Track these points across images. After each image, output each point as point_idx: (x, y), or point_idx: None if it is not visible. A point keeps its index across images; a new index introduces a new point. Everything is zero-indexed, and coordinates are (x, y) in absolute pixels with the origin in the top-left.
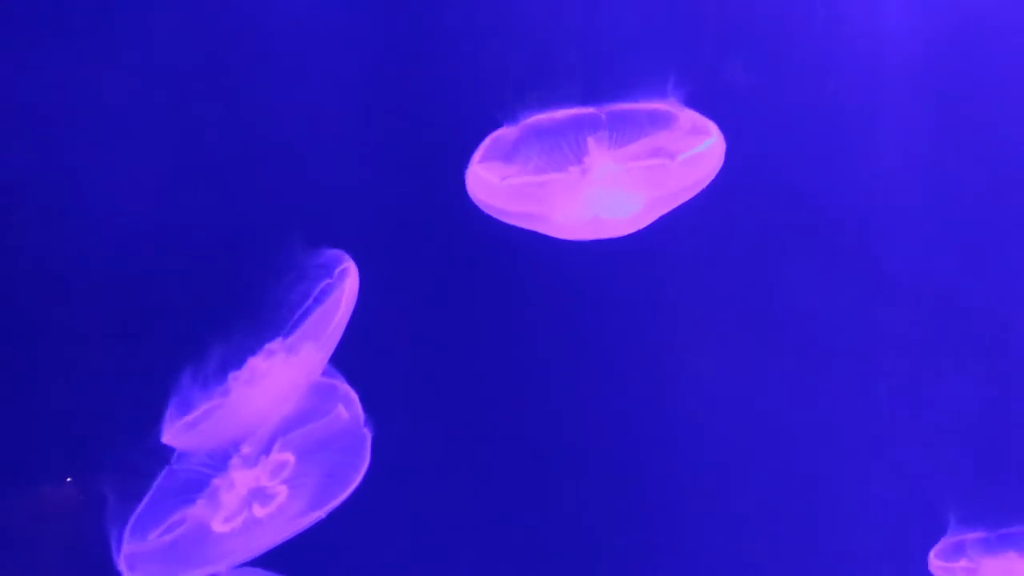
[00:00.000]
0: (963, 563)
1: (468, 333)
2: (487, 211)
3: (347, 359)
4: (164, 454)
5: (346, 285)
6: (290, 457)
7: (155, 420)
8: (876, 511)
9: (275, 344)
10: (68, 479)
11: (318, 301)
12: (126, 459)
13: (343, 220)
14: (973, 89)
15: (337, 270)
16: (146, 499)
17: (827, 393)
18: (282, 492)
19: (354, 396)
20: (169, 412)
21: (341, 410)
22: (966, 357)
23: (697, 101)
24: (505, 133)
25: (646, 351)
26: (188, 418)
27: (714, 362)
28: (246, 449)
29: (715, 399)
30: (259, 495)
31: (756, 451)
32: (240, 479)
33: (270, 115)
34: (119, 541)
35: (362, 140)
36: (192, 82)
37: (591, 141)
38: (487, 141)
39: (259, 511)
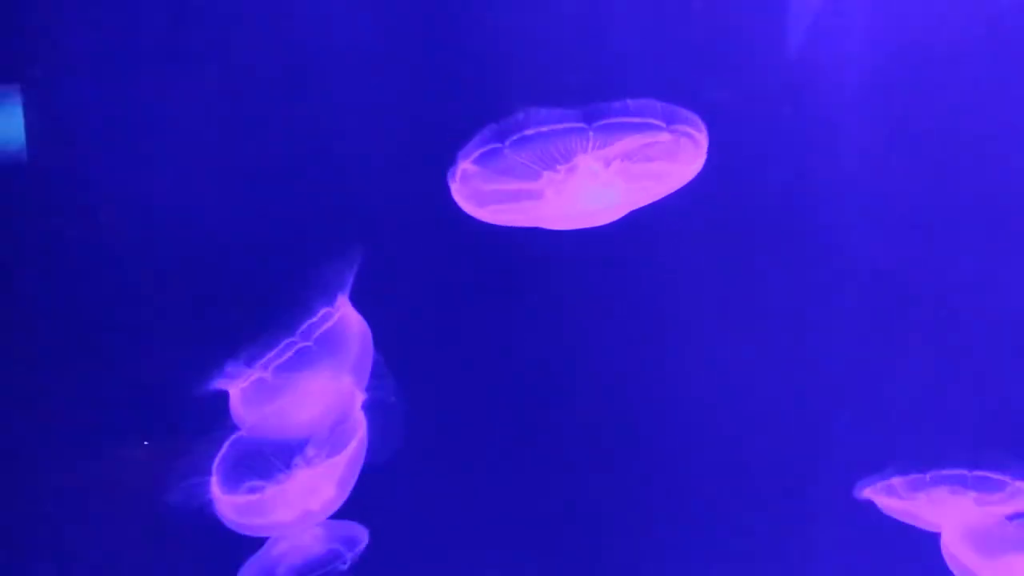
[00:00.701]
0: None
1: (466, 321)
2: (474, 214)
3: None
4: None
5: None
6: (341, 459)
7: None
8: (837, 465)
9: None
10: (145, 442)
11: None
12: (196, 424)
13: (358, 220)
14: (925, 102)
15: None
16: (222, 464)
17: (793, 365)
18: (330, 489)
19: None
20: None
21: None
22: (915, 336)
23: (679, 112)
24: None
25: (631, 335)
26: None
27: (691, 338)
28: (311, 452)
29: (695, 372)
30: (314, 491)
31: (732, 419)
32: (301, 478)
33: (299, 126)
34: (200, 490)
35: (379, 146)
36: (226, 98)
37: (579, 144)
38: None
39: (313, 504)
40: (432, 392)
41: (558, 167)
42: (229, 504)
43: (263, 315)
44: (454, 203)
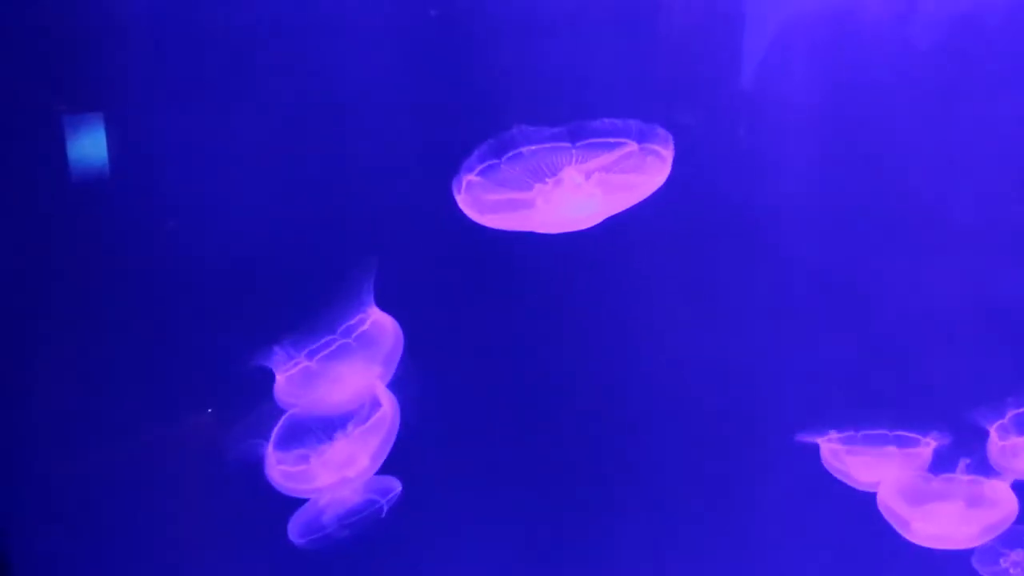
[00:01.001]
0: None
1: (471, 314)
2: (477, 220)
3: None
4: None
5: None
6: (374, 434)
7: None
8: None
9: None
10: (209, 409)
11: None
12: (252, 397)
13: (381, 228)
14: (863, 126)
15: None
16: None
17: (747, 352)
18: (365, 459)
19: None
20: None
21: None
22: (853, 324)
23: (649, 131)
24: (498, 156)
25: (612, 325)
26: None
27: (664, 327)
28: (351, 427)
29: (666, 357)
30: (351, 460)
31: (696, 396)
32: (341, 448)
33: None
34: (255, 454)
35: (395, 165)
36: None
37: (564, 159)
38: (481, 164)
39: (349, 471)
40: (442, 377)
41: (547, 179)
42: (279, 470)
43: (306, 310)
44: (460, 211)
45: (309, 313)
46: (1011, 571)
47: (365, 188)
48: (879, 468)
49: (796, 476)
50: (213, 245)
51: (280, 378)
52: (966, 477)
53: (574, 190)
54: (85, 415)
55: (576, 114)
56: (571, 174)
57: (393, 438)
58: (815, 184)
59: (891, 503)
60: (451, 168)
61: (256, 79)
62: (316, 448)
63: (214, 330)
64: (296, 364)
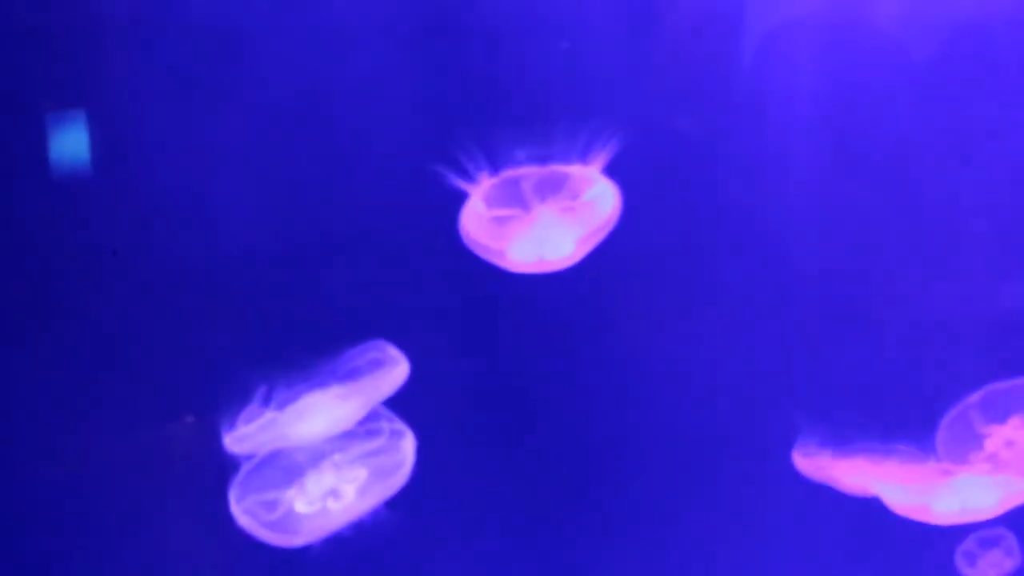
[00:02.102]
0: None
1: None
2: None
3: None
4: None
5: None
6: (363, 472)
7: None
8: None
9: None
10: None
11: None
12: (235, 402)
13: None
14: (857, 129)
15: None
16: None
17: (749, 359)
18: (350, 493)
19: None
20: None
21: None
22: (855, 330)
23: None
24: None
25: (611, 334)
26: (246, 429)
27: (664, 333)
28: (337, 457)
29: (667, 363)
30: (334, 493)
31: (697, 406)
32: (326, 479)
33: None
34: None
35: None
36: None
37: (536, 194)
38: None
39: (332, 504)
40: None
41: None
42: (256, 500)
43: (296, 315)
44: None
45: (299, 325)
46: (989, 572)
47: (356, 191)
48: (872, 474)
49: (796, 484)
50: (197, 244)
51: (269, 417)
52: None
53: (545, 225)
54: (65, 417)
55: (574, 119)
56: (543, 208)
57: (392, 478)
58: (815, 189)
59: (904, 492)
60: (447, 172)
61: (245, 79)
62: (298, 481)
63: (199, 333)
64: (287, 401)
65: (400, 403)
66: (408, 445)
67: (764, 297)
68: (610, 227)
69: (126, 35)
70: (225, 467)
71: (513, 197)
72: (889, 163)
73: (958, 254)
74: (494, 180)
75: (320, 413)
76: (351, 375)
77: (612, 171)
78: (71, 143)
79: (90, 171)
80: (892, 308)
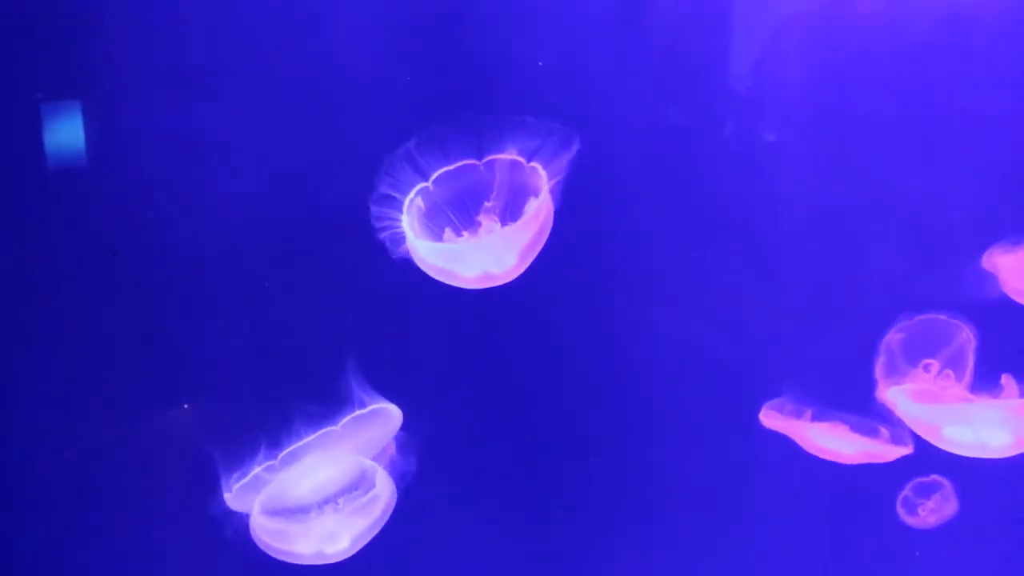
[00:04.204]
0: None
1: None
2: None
3: None
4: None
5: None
6: (362, 522)
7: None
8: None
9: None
10: (185, 405)
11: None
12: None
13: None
14: (843, 124)
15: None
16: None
17: (738, 347)
18: (346, 538)
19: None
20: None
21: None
22: (843, 319)
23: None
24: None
25: (604, 322)
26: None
27: (658, 321)
28: (340, 503)
29: (661, 352)
30: (332, 536)
31: (687, 392)
32: (327, 522)
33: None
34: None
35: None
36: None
37: (482, 213)
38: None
39: (329, 548)
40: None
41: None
42: (262, 529)
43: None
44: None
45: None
46: (928, 519)
47: (354, 182)
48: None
49: (782, 469)
50: (189, 235)
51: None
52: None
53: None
54: (64, 407)
55: (566, 111)
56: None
57: (382, 521)
58: (805, 181)
59: (917, 409)
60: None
61: (241, 71)
62: (301, 519)
63: (197, 323)
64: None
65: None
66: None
67: (761, 285)
68: (545, 236)
69: (122, 28)
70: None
71: (457, 211)
72: (880, 153)
73: (936, 244)
74: (435, 194)
75: (319, 470)
76: (349, 431)
77: (589, 166)
78: (66, 135)
79: (85, 163)
80: (887, 295)
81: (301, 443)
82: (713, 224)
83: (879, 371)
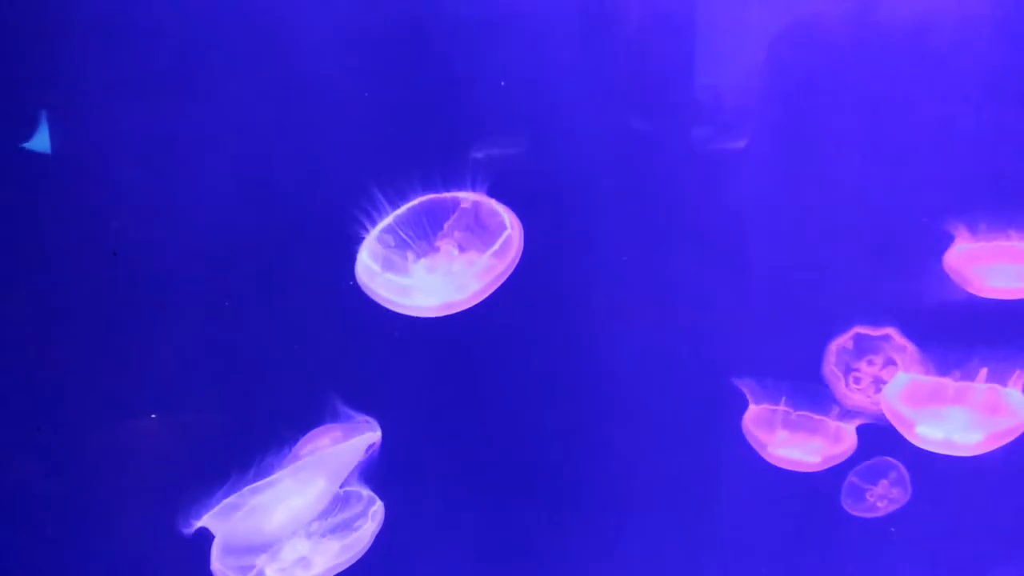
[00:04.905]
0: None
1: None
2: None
3: None
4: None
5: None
6: (335, 544)
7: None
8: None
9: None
10: (152, 415)
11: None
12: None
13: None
14: (803, 129)
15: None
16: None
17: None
18: (320, 564)
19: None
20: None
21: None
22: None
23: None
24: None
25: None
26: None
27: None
28: (313, 526)
29: (628, 359)
30: (304, 562)
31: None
32: (300, 546)
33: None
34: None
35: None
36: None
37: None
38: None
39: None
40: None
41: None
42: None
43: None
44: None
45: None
46: (878, 504)
47: (327, 190)
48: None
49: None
50: (153, 238)
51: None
52: (982, 385)
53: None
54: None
55: (533, 120)
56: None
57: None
58: (771, 188)
59: (897, 404)
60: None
61: (214, 77)
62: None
63: (163, 337)
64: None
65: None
66: (378, 513)
67: (726, 290)
68: (511, 265)
69: (95, 32)
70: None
71: (418, 237)
72: (835, 163)
73: (902, 249)
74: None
75: (294, 497)
76: (324, 458)
77: (553, 175)
78: (34, 141)
79: (50, 171)
80: (853, 300)
81: (273, 469)
82: (680, 231)
83: (828, 372)
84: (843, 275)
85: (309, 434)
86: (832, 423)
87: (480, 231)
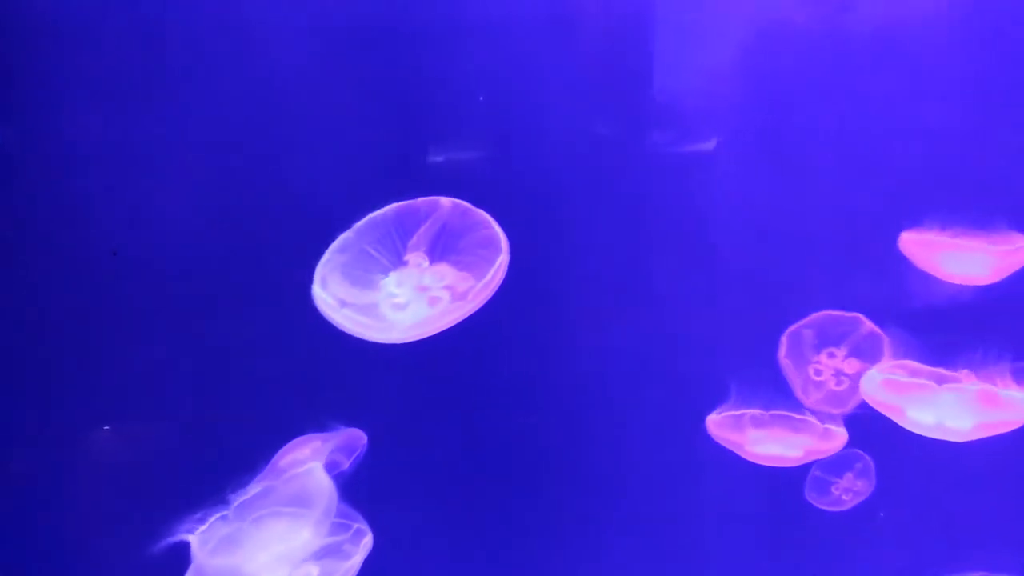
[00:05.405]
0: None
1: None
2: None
3: None
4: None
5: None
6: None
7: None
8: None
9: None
10: (105, 427)
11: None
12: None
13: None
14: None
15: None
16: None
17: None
18: None
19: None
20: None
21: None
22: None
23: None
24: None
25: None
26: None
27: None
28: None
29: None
30: None
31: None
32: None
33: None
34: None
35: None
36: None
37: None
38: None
39: None
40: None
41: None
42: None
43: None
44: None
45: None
46: (843, 497)
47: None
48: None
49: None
50: (127, 246)
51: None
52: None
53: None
54: None
55: (495, 124)
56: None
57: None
58: (740, 189)
59: (886, 390)
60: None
61: (174, 81)
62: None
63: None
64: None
65: None
66: (366, 542)
67: (696, 290)
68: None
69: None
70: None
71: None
72: (811, 161)
73: (873, 249)
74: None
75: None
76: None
77: (525, 180)
78: None
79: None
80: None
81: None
82: (650, 234)
83: (784, 359)
84: (815, 275)
85: (289, 444)
86: (813, 420)
87: (461, 242)
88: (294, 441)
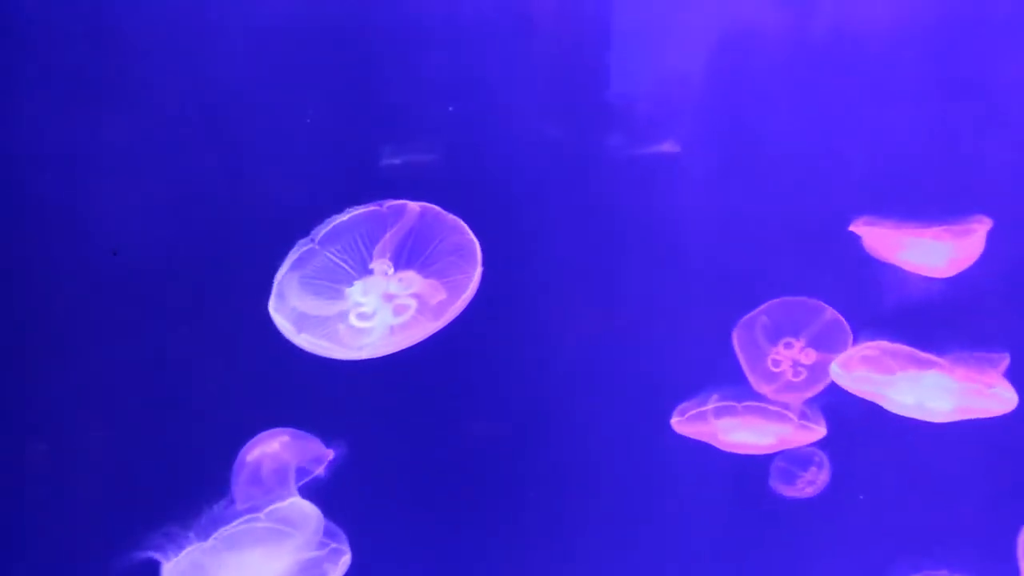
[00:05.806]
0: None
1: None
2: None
3: None
4: None
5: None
6: None
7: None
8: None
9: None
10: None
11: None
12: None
13: None
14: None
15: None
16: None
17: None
18: None
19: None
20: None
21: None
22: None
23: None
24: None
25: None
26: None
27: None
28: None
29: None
30: None
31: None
32: None
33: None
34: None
35: None
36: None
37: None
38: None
39: None
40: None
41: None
42: None
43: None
44: None
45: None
46: (806, 489)
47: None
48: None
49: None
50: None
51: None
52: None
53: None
54: None
55: (454, 126)
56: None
57: None
58: (703, 190)
59: (868, 369)
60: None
61: (134, 83)
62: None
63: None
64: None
65: None
66: (344, 560)
67: (661, 293)
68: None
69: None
70: None
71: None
72: (775, 164)
73: (836, 249)
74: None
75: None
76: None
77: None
78: None
79: None
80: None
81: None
82: (612, 235)
83: (739, 350)
84: (779, 273)
85: (256, 438)
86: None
87: (429, 247)
88: (262, 434)
